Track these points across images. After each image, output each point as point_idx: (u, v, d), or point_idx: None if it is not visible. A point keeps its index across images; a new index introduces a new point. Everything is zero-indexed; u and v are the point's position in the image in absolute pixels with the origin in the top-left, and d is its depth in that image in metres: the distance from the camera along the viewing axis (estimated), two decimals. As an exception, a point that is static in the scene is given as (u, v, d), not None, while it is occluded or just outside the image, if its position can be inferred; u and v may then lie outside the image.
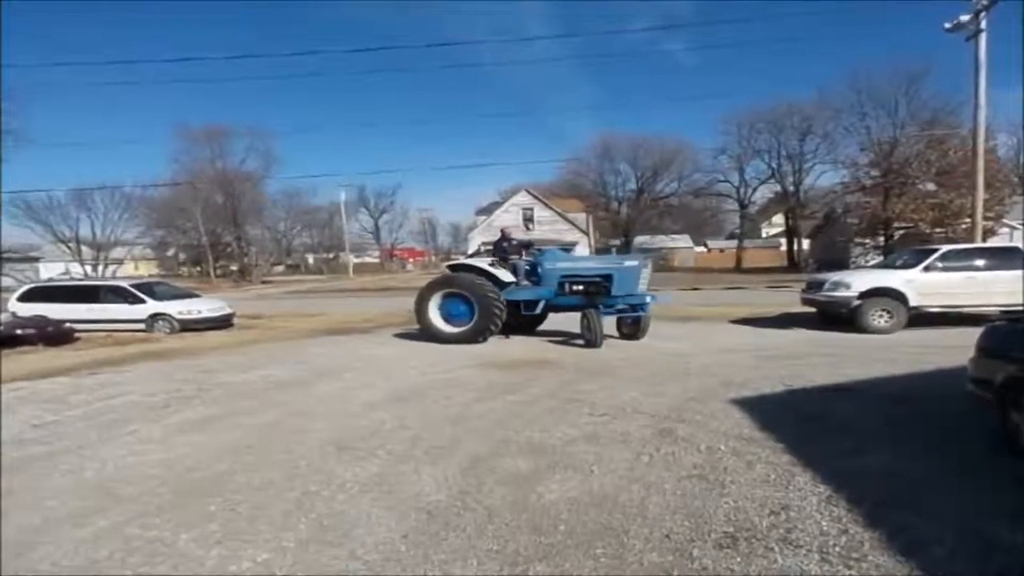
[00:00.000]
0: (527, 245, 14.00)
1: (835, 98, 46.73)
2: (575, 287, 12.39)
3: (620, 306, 12.15)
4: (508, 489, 4.21)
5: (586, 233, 55.40)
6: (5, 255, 62.22)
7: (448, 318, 12.58)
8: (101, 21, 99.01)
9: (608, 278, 12.12)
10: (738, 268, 56.08)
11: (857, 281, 12.99)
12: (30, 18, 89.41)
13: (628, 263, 12.73)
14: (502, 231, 14.64)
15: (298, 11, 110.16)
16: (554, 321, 13.62)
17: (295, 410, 6.69)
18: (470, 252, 15.30)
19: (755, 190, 61.56)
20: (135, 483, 4.46)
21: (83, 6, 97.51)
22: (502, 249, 13.48)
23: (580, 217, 56.11)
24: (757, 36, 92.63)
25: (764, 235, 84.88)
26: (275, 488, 4.30)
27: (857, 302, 12.48)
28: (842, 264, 39.48)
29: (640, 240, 68.34)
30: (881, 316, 12.36)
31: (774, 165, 56.62)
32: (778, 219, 74.90)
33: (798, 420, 5.74)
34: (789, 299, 21.81)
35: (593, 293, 12.15)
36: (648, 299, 12.29)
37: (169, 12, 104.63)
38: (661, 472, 4.47)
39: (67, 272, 57.76)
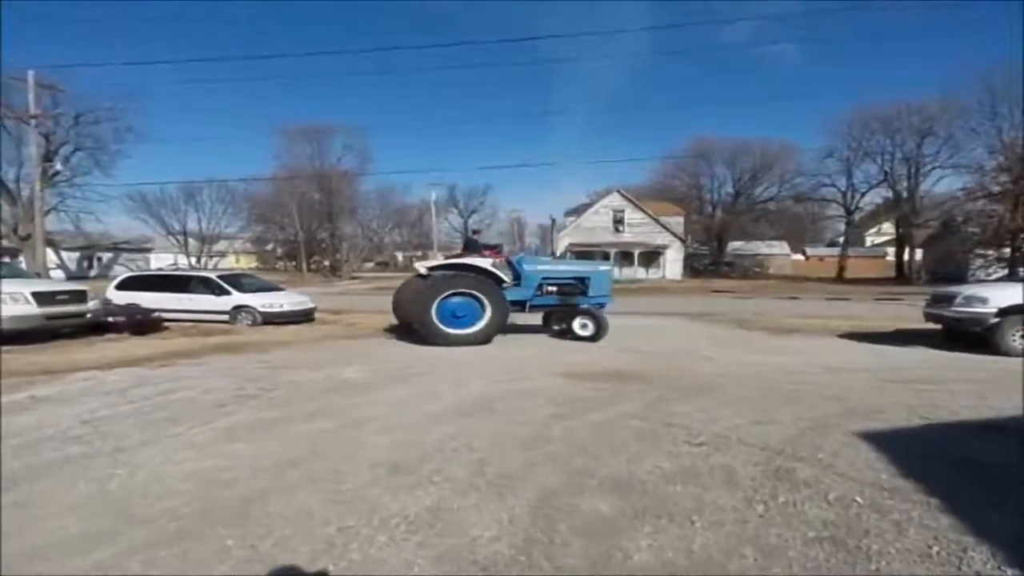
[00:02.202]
0: (495, 247, 14.33)
1: (963, 96, 43.00)
2: (550, 288, 13.21)
3: (585, 305, 13.22)
4: (586, 541, 3.38)
5: (679, 237, 53.52)
6: (121, 245, 66.73)
7: (453, 319, 12.02)
8: (202, 20, 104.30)
9: (584, 280, 13.30)
10: (840, 278, 52.69)
11: (996, 295, 11.31)
12: (134, 19, 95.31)
13: (603, 268, 14.33)
14: (474, 232, 15.22)
15: (388, 6, 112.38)
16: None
17: (354, 418, 6.08)
18: (435, 258, 14.83)
19: (863, 195, 57.66)
20: (159, 500, 3.90)
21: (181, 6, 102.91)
22: (475, 251, 13.52)
23: (672, 220, 54.24)
24: (874, 31, 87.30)
25: (868, 243, 79.73)
26: (309, 520, 3.64)
27: (995, 320, 10.88)
28: (959, 277, 36.23)
29: (734, 246, 65.63)
30: (1024, 336, 10.74)
31: (887, 168, 52.79)
32: (886, 227, 70.18)
33: (950, 466, 4.61)
34: (903, 313, 19.91)
35: (568, 294, 13.26)
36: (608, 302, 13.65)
37: (265, 10, 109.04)
38: (782, 530, 3.52)
39: (175, 263, 60.93)
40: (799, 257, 75.69)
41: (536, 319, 14.30)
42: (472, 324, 12.06)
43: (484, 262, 12.89)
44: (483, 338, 11.93)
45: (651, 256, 52.53)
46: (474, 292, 12.13)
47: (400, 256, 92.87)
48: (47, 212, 42.87)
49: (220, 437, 5.37)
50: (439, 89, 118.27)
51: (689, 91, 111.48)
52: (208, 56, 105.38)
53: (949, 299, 12.06)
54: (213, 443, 5.19)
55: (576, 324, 12.95)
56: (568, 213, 58.35)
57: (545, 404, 6.75)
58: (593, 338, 12.61)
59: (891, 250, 64.12)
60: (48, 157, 43.11)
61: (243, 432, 5.56)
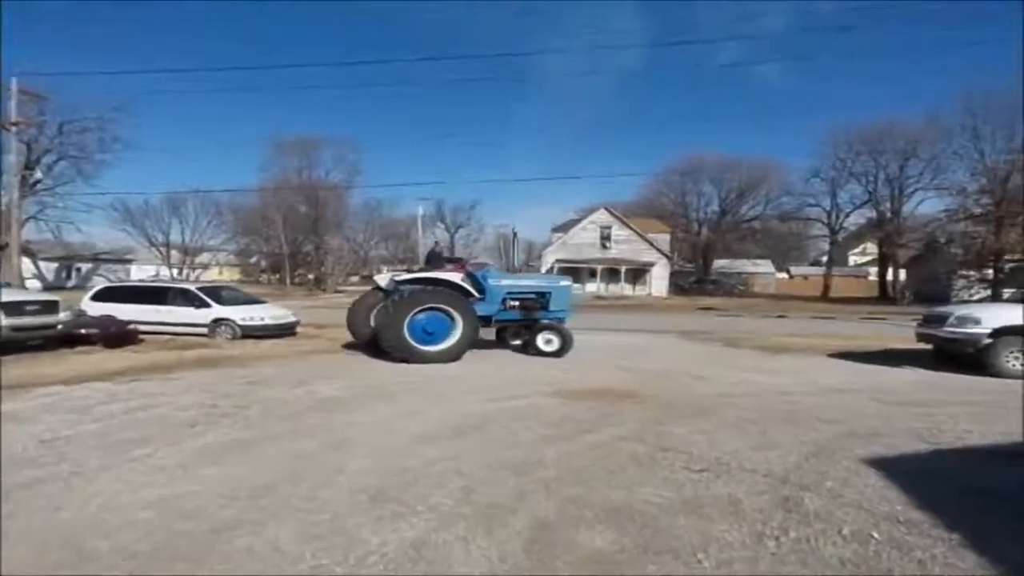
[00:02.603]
0: (458, 261, 14.34)
1: (945, 118, 43.46)
2: (513, 303, 13.06)
3: (547, 320, 13.13)
4: (585, 583, 3.08)
5: (665, 255, 53.57)
6: (102, 256, 65.73)
7: (424, 335, 11.49)
8: (188, 32, 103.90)
9: (545, 295, 13.24)
10: (825, 297, 52.88)
11: (989, 316, 11.17)
12: (124, 27, 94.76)
13: (563, 283, 14.22)
14: (437, 244, 15.10)
15: (375, 20, 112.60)
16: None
17: (334, 439, 5.73)
18: (414, 270, 14.29)
19: (848, 215, 58.03)
20: (112, 534, 3.54)
21: (173, 14, 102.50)
22: (439, 264, 13.35)
23: (659, 238, 54.30)
24: (860, 48, 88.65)
25: (852, 263, 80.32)
26: (279, 556, 3.30)
27: (988, 340, 10.72)
28: (943, 297, 36.45)
29: (720, 263, 65.82)
30: (1018, 358, 10.57)
31: (871, 189, 53.19)
32: (870, 247, 70.80)
33: (965, 496, 4.36)
34: (887, 332, 19.84)
35: (530, 308, 13.17)
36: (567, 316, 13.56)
37: (247, 18, 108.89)
38: (796, 568, 3.24)
39: (157, 275, 60.09)
40: (783, 276, 76.04)
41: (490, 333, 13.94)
42: (443, 340, 11.62)
43: (454, 276, 12.59)
44: (454, 355, 11.51)
45: (638, 273, 52.49)
46: (445, 307, 11.74)
47: (385, 270, 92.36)
48: (26, 221, 42.11)
49: (188, 460, 5.00)
50: (429, 103, 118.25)
51: (677, 109, 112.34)
52: (197, 66, 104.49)
53: (941, 319, 11.91)
54: (180, 467, 4.82)
55: (540, 339, 12.74)
56: (555, 229, 58.31)
57: (536, 425, 6.45)
58: (558, 353, 12.41)
59: (874, 270, 64.54)
60: (30, 166, 42.43)
61: (214, 454, 5.19)
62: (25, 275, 39.93)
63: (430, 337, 11.48)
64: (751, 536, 3.64)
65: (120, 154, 58.65)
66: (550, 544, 3.52)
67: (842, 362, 12.50)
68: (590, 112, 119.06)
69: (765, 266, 73.44)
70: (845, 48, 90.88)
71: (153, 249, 69.61)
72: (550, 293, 13.32)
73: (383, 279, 13.44)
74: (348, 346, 13.63)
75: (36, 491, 4.22)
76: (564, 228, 56.72)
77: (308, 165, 65.80)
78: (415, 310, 11.41)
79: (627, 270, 51.67)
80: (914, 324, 13.35)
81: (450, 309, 11.71)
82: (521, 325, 13.42)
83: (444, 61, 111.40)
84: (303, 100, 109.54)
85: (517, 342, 13.75)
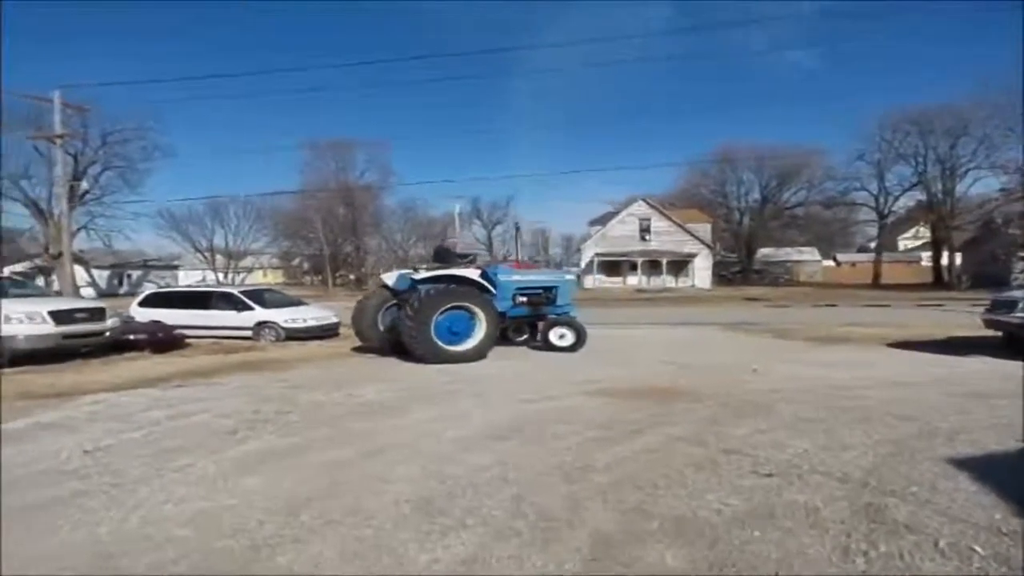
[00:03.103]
0: (469, 258, 13.84)
1: (997, 95, 41.52)
2: (521, 299, 12.80)
3: (555, 315, 12.98)
4: (656, 608, 2.78)
5: (707, 245, 52.57)
6: (151, 262, 67.50)
7: (450, 335, 11.19)
8: (221, 39, 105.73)
9: (553, 290, 13.11)
10: (876, 284, 51.20)
11: (1067, 300, 10.50)
12: (159, 36, 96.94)
13: (568, 277, 14.36)
14: (446, 240, 14.57)
15: (400, 15, 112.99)
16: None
17: (376, 446, 5.52)
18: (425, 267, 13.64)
19: (897, 198, 56.01)
20: (150, 551, 3.37)
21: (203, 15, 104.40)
22: (450, 260, 12.97)
23: (700, 228, 53.30)
24: (902, 31, 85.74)
25: (902, 248, 77.70)
26: (322, 577, 3.08)
27: (1067, 326, 10.06)
28: (1002, 281, 34.91)
29: (763, 253, 64.36)
30: (1100, 344, 9.91)
31: (920, 170, 51.22)
32: (921, 230, 68.38)
33: (1073, 502, 3.92)
34: (947, 319, 18.96)
35: (537, 304, 13.00)
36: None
37: (275, 17, 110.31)
38: (894, 590, 2.89)
39: (203, 279, 61.39)
40: (830, 263, 73.96)
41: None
42: (467, 339, 11.35)
43: (472, 272, 12.26)
44: (480, 353, 11.25)
45: (679, 265, 51.64)
46: (468, 305, 11.44)
47: (425, 268, 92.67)
48: (77, 231, 43.44)
49: (230, 470, 4.83)
50: (461, 101, 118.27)
51: (713, 97, 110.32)
52: (232, 71, 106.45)
53: (1011, 304, 11.27)
54: (221, 477, 4.66)
55: (553, 335, 12.56)
56: (593, 223, 57.73)
57: (585, 426, 6.14)
58: (573, 348, 12.29)
59: (927, 254, 62.30)
60: (77, 177, 43.68)
61: (255, 463, 5.03)
62: (79, 283, 41.26)
63: (455, 337, 11.22)
64: (836, 551, 3.29)
65: (161, 162, 59.99)
66: (613, 561, 3.22)
67: (903, 352, 11.90)
68: (622, 102, 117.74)
69: (810, 254, 71.56)
70: (884, 30, 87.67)
71: (198, 254, 71.26)
72: (557, 287, 13.23)
73: (391, 277, 12.99)
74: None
75: (77, 505, 4.09)
76: (602, 221, 56.12)
77: (342, 167, 66.44)
78: (441, 309, 11.07)
79: (668, 262, 50.87)
80: (976, 310, 12.67)
81: (473, 307, 11.46)
82: (526, 321, 13.32)
83: (468, 56, 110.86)
84: (337, 102, 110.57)
85: (521, 338, 13.54)
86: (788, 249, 68.35)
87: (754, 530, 3.58)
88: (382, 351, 12.18)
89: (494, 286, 12.30)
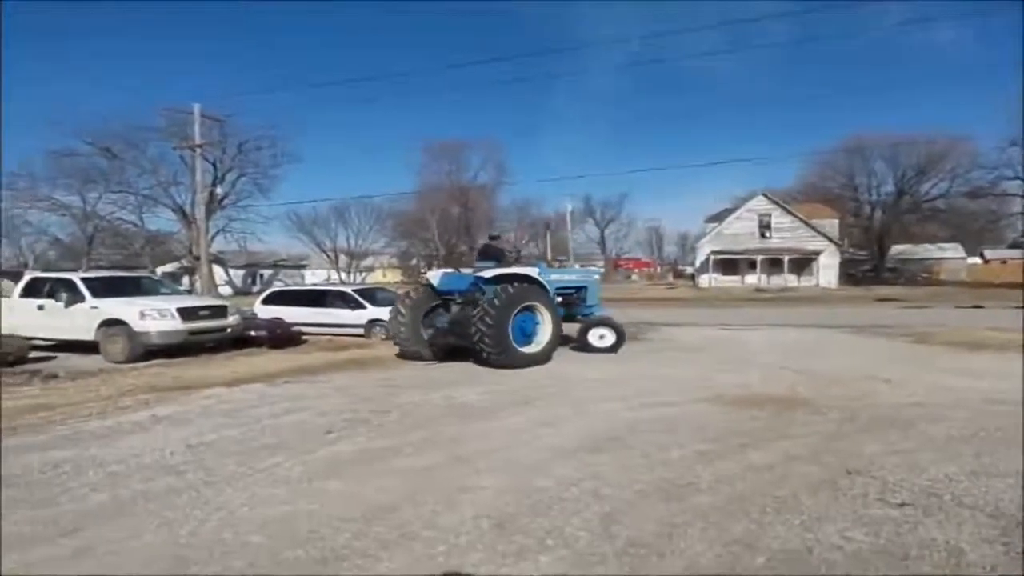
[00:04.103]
0: (514, 254, 13.26)
1: None
2: (558, 299, 12.15)
3: (583, 315, 12.52)
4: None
5: (834, 242, 49.31)
6: (280, 262, 71.90)
7: (522, 337, 10.61)
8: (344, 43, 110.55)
9: (583, 289, 12.71)
10: (1032, 283, 45.91)
11: None
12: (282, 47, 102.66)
13: (596, 276, 14.01)
14: (492, 237, 13.45)
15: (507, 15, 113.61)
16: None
17: (464, 452, 5.32)
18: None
19: (1059, 188, 50.00)
20: (222, 556, 3.31)
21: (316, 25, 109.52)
22: (502, 258, 12.18)
23: (826, 223, 50.08)
24: (1059, 4, 76.56)
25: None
26: (384, 599, 2.89)
27: None
28: None
29: (898, 249, 59.49)
30: None
31: (1087, 155, 45.45)
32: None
33: None
34: None
35: (571, 303, 12.59)
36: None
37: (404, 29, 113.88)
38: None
39: (327, 279, 64.58)
40: (976, 260, 67.30)
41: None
42: (535, 340, 10.84)
43: (532, 271, 11.64)
44: (546, 356, 10.73)
45: (802, 263, 48.67)
46: (537, 305, 10.92)
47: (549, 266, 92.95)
48: (215, 234, 46.85)
49: (316, 472, 4.79)
50: (575, 98, 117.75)
51: (841, 82, 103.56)
52: (351, 77, 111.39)
53: None
54: (306, 479, 4.61)
55: (592, 335, 12.09)
56: (709, 219, 55.64)
57: (690, 438, 5.67)
58: (613, 349, 11.93)
59: (1095, 250, 55.38)
60: (216, 183, 47.08)
61: (342, 466, 4.96)
62: (218, 282, 44.52)
63: (526, 339, 10.73)
64: (986, 608, 2.72)
65: (289, 167, 63.59)
66: (708, 602, 2.82)
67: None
68: (741, 93, 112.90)
69: (953, 250, 65.34)
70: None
71: (323, 254, 75.04)
72: (587, 287, 12.85)
73: (435, 276, 12.28)
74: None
75: (166, 503, 4.15)
76: (718, 218, 53.89)
77: (457, 168, 67.83)
78: (517, 310, 10.54)
79: (790, 260, 48.06)
80: None
81: (540, 306, 11.00)
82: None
83: (570, 52, 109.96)
84: (452, 104, 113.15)
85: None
86: (927, 245, 62.75)
87: (880, 570, 3.05)
88: (413, 356, 11.31)
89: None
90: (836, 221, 51.81)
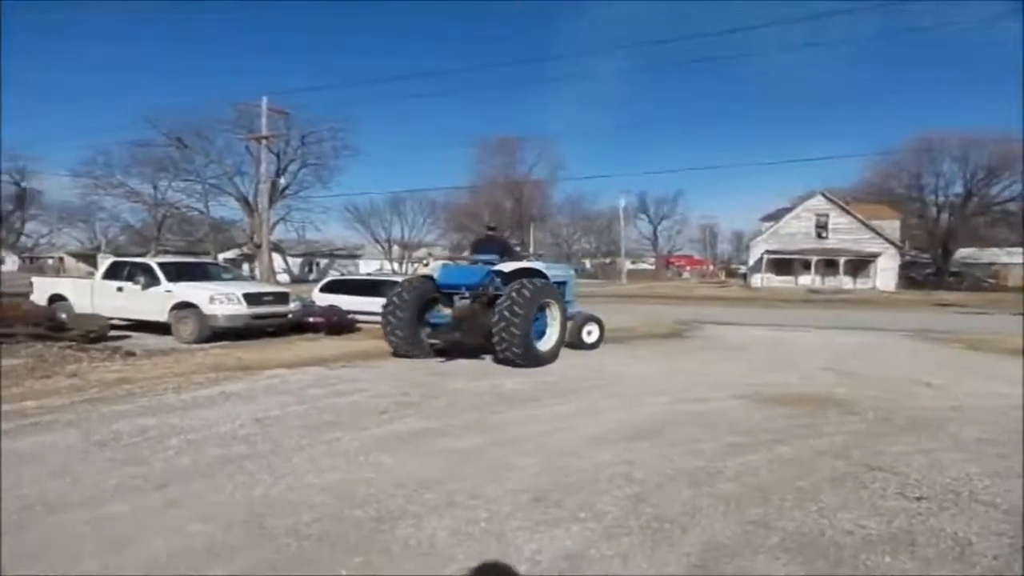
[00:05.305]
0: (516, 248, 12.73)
1: None
2: None
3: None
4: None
5: (894, 244, 47.90)
6: (336, 252, 73.76)
7: (538, 336, 10.23)
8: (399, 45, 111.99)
9: (563, 285, 12.09)
10: (1108, 292, 43.76)
11: None
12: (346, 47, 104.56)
13: (571, 271, 14.17)
14: (490, 228, 13.41)
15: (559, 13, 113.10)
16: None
17: (508, 436, 5.71)
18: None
19: None
20: (292, 513, 3.77)
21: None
22: (508, 251, 11.93)
23: (886, 225, 48.66)
24: None
25: None
26: (433, 554, 3.28)
27: None
28: None
29: (963, 253, 57.29)
30: None
31: None
32: None
33: None
34: None
35: None
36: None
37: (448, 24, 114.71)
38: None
39: (381, 268, 65.98)
40: (1048, 266, 64.21)
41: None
42: (543, 339, 10.38)
43: (541, 266, 11.42)
44: (553, 355, 10.39)
45: (859, 264, 47.51)
46: (550, 302, 10.54)
47: (588, 263, 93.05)
48: (276, 223, 48.46)
49: (371, 447, 5.25)
50: (632, 92, 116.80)
51: (908, 80, 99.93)
52: (411, 71, 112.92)
53: None
54: (363, 452, 5.07)
55: (582, 332, 12.06)
56: (765, 218, 54.77)
57: (723, 431, 5.93)
58: (596, 344, 12.10)
59: None
60: (278, 174, 48.66)
61: (395, 442, 5.41)
62: (276, 270, 46.07)
63: (539, 337, 10.29)
64: (981, 591, 2.96)
65: (349, 159, 65.13)
66: (720, 571, 3.13)
67: None
68: (806, 90, 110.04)
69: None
70: None
71: (378, 245, 76.60)
72: (566, 283, 12.44)
73: (434, 268, 11.64)
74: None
75: (240, 467, 4.66)
76: (775, 217, 53.01)
77: (512, 163, 68.32)
78: (538, 306, 10.09)
79: (847, 261, 46.98)
80: None
81: (553, 304, 10.65)
82: None
83: (644, 47, 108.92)
84: (507, 99, 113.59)
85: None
86: (994, 249, 60.27)
87: (886, 556, 3.30)
88: (405, 354, 10.55)
89: None
90: (897, 222, 50.35)
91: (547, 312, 10.57)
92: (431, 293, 10.96)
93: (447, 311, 10.83)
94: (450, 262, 12.28)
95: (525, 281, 9.97)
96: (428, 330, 10.82)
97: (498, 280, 10.57)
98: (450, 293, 10.95)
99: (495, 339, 9.59)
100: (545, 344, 10.32)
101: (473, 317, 10.23)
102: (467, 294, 10.71)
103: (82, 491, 4.13)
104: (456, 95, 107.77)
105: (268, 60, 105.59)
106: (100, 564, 3.13)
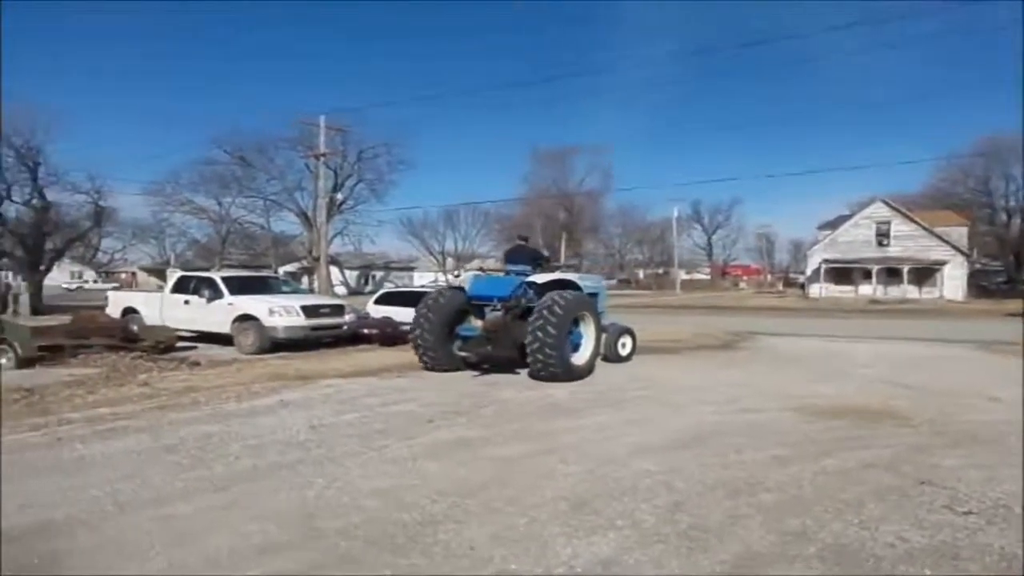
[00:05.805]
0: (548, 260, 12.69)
1: None
2: None
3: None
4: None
5: (961, 251, 45.97)
6: (391, 264, 75.19)
7: (573, 349, 9.96)
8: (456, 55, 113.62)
9: (596, 295, 11.69)
10: None
11: None
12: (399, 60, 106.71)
13: (603, 282, 14.04)
14: (521, 238, 12.51)
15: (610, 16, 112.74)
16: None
17: (552, 445, 5.83)
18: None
19: None
20: (342, 515, 3.99)
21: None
22: (541, 261, 11.65)
23: (953, 232, 46.75)
24: None
25: None
26: (471, 557, 3.43)
27: None
28: None
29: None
30: None
31: None
32: None
33: None
34: None
35: None
36: None
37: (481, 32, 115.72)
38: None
39: (435, 280, 66.92)
40: None
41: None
42: (578, 352, 10.11)
43: (573, 276, 11.38)
44: (589, 369, 10.11)
45: (924, 273, 45.68)
46: (585, 314, 10.30)
47: (642, 273, 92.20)
48: (333, 236, 49.78)
49: (419, 454, 5.45)
50: (683, 101, 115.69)
51: (973, 81, 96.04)
52: (464, 87, 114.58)
53: None
54: (411, 459, 5.28)
55: (617, 344, 11.75)
56: (822, 226, 53.35)
57: (769, 443, 5.91)
58: (630, 357, 11.88)
59: None
60: (336, 189, 50.00)
61: (441, 450, 5.60)
62: (334, 282, 47.30)
63: (574, 350, 10.06)
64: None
65: (404, 174, 66.40)
66: (754, 579, 3.18)
67: None
68: (867, 94, 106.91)
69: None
70: None
71: (432, 257, 77.75)
72: (598, 293, 11.98)
73: (466, 280, 11.60)
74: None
75: (295, 471, 4.92)
76: (833, 225, 51.55)
77: (563, 174, 68.53)
78: (571, 320, 9.84)
79: (910, 270, 45.29)
80: None
81: (588, 316, 10.41)
82: None
83: (683, 57, 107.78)
84: (559, 111, 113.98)
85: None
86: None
87: (926, 568, 3.29)
88: (432, 368, 10.35)
89: None
90: (964, 229, 48.35)
91: (581, 325, 10.30)
92: (462, 305, 10.74)
93: (478, 323, 10.47)
94: (480, 272, 12.33)
95: (556, 296, 9.65)
96: (459, 343, 10.58)
97: (531, 292, 10.37)
98: (481, 305, 10.61)
99: (530, 358, 9.36)
100: (580, 358, 10.05)
101: (505, 330, 9.98)
102: (498, 306, 10.30)
103: (150, 492, 4.45)
104: (509, 109, 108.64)
105: (327, 77, 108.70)
106: (165, 559, 3.39)
